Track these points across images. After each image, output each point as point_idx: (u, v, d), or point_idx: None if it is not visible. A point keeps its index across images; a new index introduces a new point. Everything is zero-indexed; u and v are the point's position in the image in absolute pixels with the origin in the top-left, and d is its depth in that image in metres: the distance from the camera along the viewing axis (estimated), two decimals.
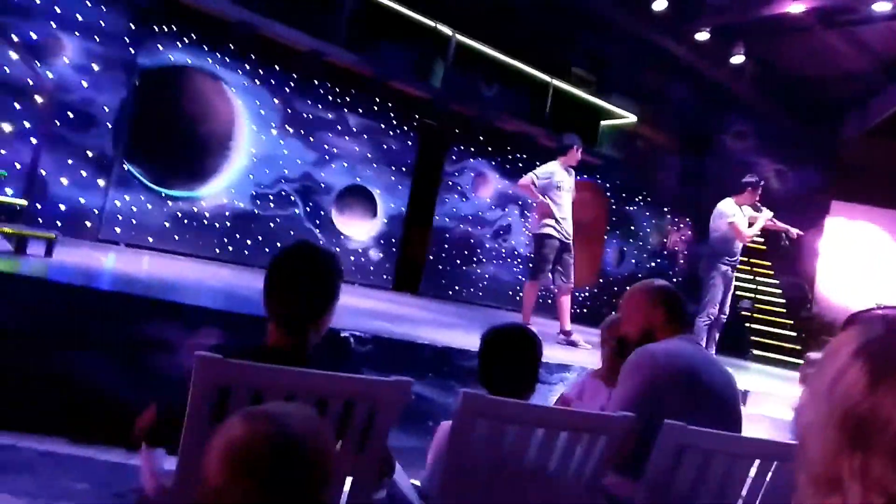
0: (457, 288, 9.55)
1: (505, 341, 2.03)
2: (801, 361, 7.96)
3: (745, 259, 10.92)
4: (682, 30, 9.99)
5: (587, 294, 10.86)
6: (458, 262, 9.56)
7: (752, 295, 9.95)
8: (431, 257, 9.34)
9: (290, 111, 8.03)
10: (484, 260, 9.77)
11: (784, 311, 10.75)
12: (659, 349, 2.19)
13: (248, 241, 7.80)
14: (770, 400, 5.11)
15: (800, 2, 8.95)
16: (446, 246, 9.44)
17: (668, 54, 10.35)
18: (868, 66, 10.68)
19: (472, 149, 9.56)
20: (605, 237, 11.08)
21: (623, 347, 2.31)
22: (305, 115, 8.15)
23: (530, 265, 5.91)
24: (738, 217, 6.18)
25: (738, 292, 10.42)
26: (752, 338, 9.47)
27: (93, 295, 3.64)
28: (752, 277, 10.43)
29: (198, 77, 7.41)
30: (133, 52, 6.97)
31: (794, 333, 10.45)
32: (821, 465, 0.65)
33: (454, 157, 9.45)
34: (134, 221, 7.09)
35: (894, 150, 12.97)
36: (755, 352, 9.06)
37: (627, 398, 2.10)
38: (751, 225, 6.28)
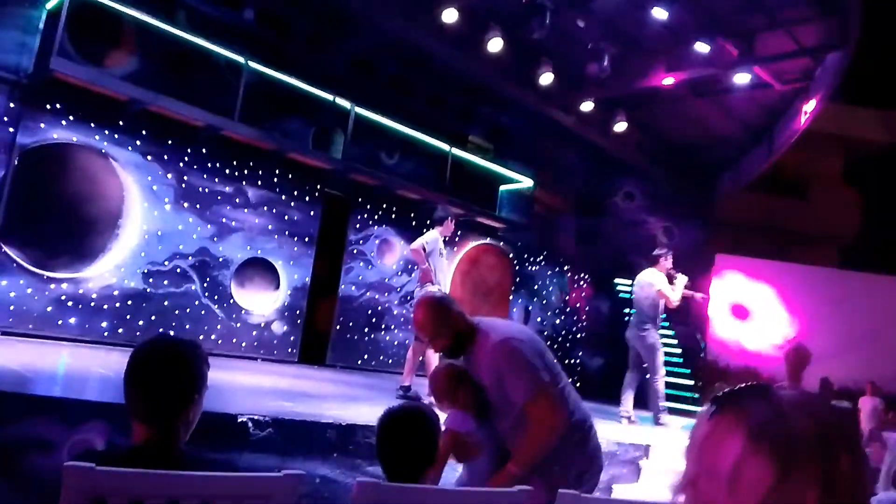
0: (365, 357, 9.41)
1: (399, 424, 2.02)
2: (698, 409, 8.30)
3: None
4: (568, 101, 10.64)
5: None
6: (366, 329, 9.46)
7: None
8: (338, 327, 9.19)
9: (184, 186, 7.84)
10: (392, 327, 9.71)
11: (681, 360, 11.25)
12: (512, 327, 2.92)
13: (140, 322, 7.41)
14: (673, 453, 5.27)
15: (670, 75, 9.77)
16: (353, 314, 9.34)
17: (559, 123, 10.97)
18: (737, 130, 11.72)
19: (376, 216, 9.63)
20: (511, 297, 11.32)
21: (452, 353, 2.76)
22: (201, 189, 7.98)
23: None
24: (665, 284, 6.82)
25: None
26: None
27: None
28: None
29: (83, 154, 7.13)
30: (12, 130, 6.64)
31: (691, 382, 10.94)
32: None
33: (358, 226, 9.47)
34: (12, 307, 6.60)
35: (765, 205, 14.16)
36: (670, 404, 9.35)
37: (539, 366, 2.57)
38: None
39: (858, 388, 10.11)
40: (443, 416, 2.44)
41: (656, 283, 6.84)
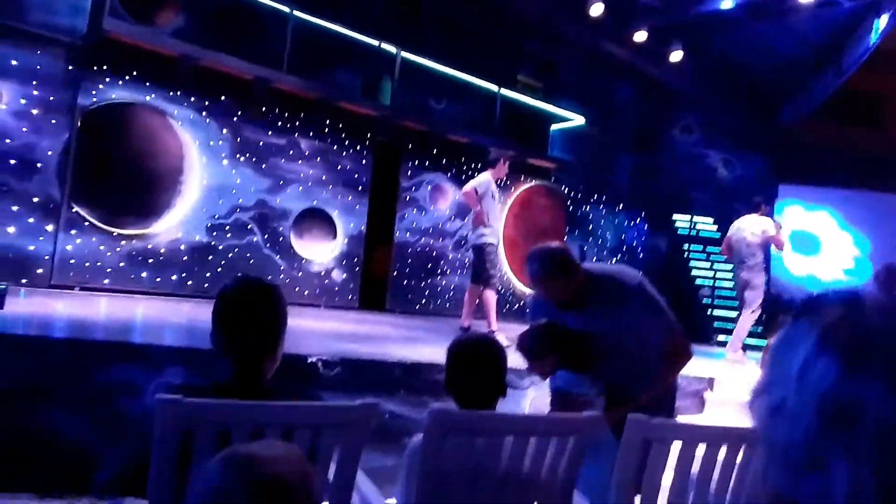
0: (423, 301, 9.56)
1: (469, 352, 2.07)
2: (762, 342, 8.18)
3: (701, 248, 11.20)
4: (620, 32, 10.24)
5: None
6: (423, 275, 9.58)
7: (711, 282, 10.19)
8: (395, 273, 9.34)
9: (239, 140, 7.97)
10: (448, 271, 9.80)
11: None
12: (627, 269, 2.96)
13: (208, 274, 7.69)
14: (735, 385, 5.24)
15: None
16: (409, 260, 9.45)
17: (611, 56, 10.60)
18: (800, 53, 11.08)
19: (427, 163, 9.61)
20: (566, 238, 11.23)
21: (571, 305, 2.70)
22: (256, 143, 8.10)
23: (478, 275, 6.04)
24: (774, 230, 7.32)
25: (697, 280, 10.69)
26: (716, 324, 9.69)
27: (50, 345, 3.55)
28: (709, 265, 10.69)
29: (142, 113, 7.31)
30: (72, 93, 6.84)
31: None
32: (797, 448, 0.64)
33: (409, 173, 9.49)
34: (87, 264, 6.94)
35: (832, 132, 13.47)
36: (719, 337, 9.26)
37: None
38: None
39: None
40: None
41: (769, 230, 7.24)
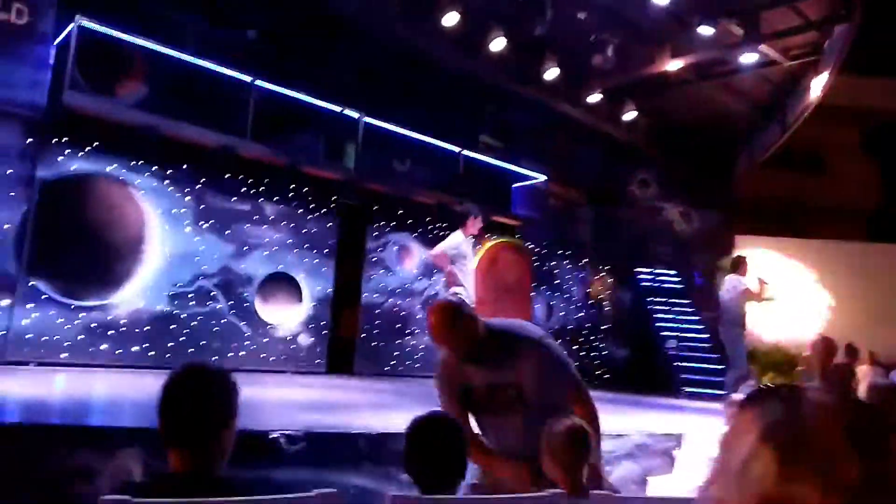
0: (392, 363, 9.47)
1: (427, 434, 2.06)
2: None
3: (665, 300, 11.37)
4: (575, 94, 10.63)
5: None
6: (391, 336, 9.52)
7: (676, 334, 10.33)
8: (363, 335, 9.27)
9: (202, 207, 7.96)
10: (417, 331, 9.76)
11: (708, 345, 11.17)
12: (528, 325, 3.03)
13: (170, 344, 7.54)
14: (706, 441, 5.25)
15: (676, 60, 9.72)
16: (377, 322, 9.40)
17: (568, 117, 10.96)
18: (748, 109, 11.62)
19: (393, 223, 9.69)
20: (533, 294, 11.31)
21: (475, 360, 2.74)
22: (220, 209, 8.09)
23: None
24: (752, 285, 7.45)
25: (662, 332, 10.82)
26: (682, 376, 9.77)
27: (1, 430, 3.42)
28: (671, 317, 10.84)
29: (102, 184, 7.27)
30: (31, 166, 6.79)
31: (721, 366, 10.84)
32: None
33: (375, 234, 9.54)
34: (44, 338, 6.75)
35: (783, 182, 14.00)
36: (687, 389, 9.33)
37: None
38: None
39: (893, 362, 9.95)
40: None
41: (738, 286, 7.39)
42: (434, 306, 2.80)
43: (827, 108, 10.92)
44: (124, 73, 7.80)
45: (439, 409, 2.19)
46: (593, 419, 2.60)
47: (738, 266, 7.50)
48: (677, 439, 5.26)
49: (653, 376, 10.30)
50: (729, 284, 7.43)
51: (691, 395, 9.71)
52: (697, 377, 10.17)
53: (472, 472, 2.70)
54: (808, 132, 11.84)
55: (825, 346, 4.35)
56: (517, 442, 2.64)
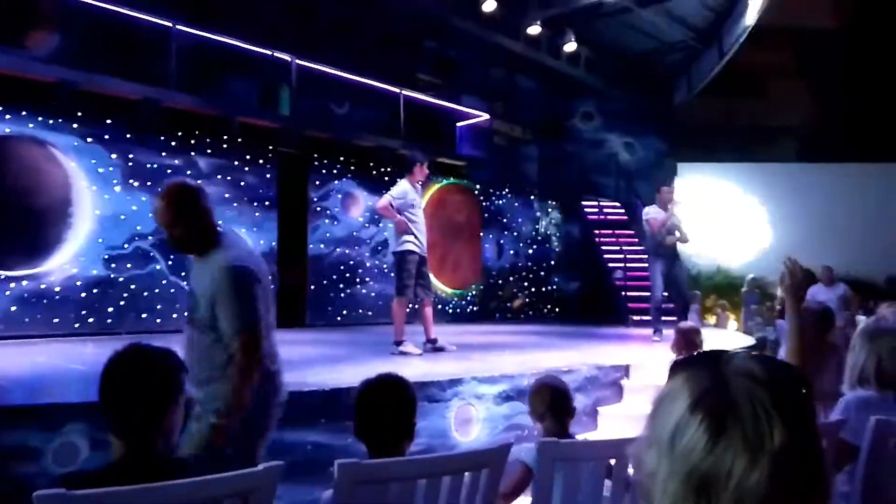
0: (344, 312, 9.41)
1: (376, 396, 2.02)
2: (673, 318, 8.51)
3: (611, 231, 11.56)
4: (515, 26, 10.39)
5: (475, 293, 11.06)
6: (341, 286, 9.42)
7: (622, 265, 10.52)
8: (313, 286, 9.14)
9: (131, 164, 7.57)
10: (367, 279, 9.69)
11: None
12: (254, 255, 2.80)
13: (110, 309, 7.28)
14: (650, 369, 5.42)
15: None
16: (325, 272, 9.28)
17: (508, 50, 10.74)
18: (686, 36, 11.60)
19: (335, 171, 9.44)
20: (481, 234, 11.33)
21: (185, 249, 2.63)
22: (150, 166, 7.71)
23: (396, 283, 5.95)
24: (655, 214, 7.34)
25: (609, 264, 11.03)
26: (630, 305, 10.01)
27: None
28: (619, 248, 11.03)
29: (20, 146, 6.81)
30: None
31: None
32: None
33: (317, 182, 9.29)
34: None
35: (723, 107, 14.19)
36: (634, 318, 9.57)
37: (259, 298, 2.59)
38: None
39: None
40: None
41: (647, 215, 7.37)
42: (170, 185, 2.56)
43: (764, 28, 10.97)
44: (32, 23, 7.22)
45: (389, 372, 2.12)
46: (245, 355, 2.39)
47: (656, 195, 7.49)
48: (625, 369, 5.41)
49: (602, 307, 10.53)
50: (643, 216, 7.49)
51: (639, 324, 10.00)
52: (644, 306, 10.45)
53: None
54: (746, 56, 11.93)
55: (683, 337, 4.28)
56: (186, 356, 2.35)
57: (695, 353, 0.81)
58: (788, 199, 12.87)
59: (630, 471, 2.05)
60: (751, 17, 10.43)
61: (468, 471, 1.90)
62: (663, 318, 7.32)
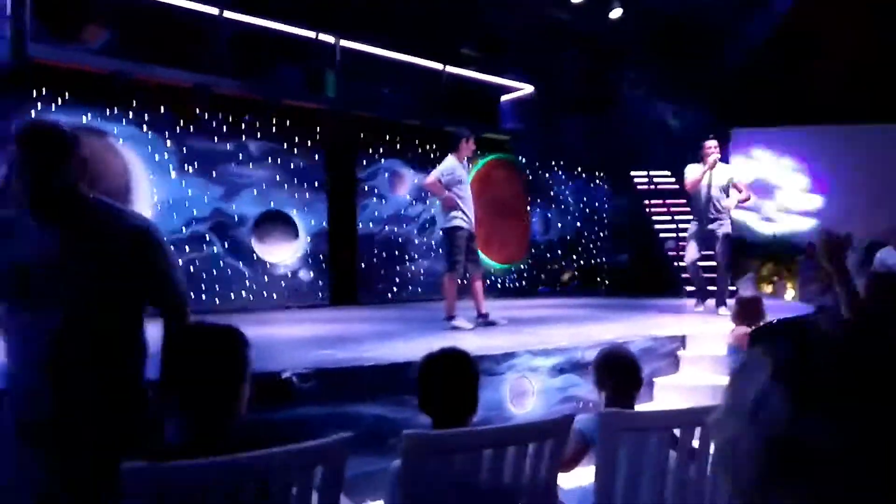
0: (395, 290, 9.54)
1: (440, 370, 2.06)
2: (732, 287, 8.34)
3: (661, 201, 11.34)
4: None
5: (524, 267, 11.04)
6: (391, 264, 9.53)
7: (674, 235, 10.32)
8: (363, 265, 9.28)
9: (185, 151, 7.78)
10: (416, 256, 9.78)
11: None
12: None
13: None
14: (707, 339, 5.34)
15: None
16: (375, 250, 9.40)
17: (552, 21, 10.54)
18: None
19: (381, 150, 9.51)
20: (529, 209, 11.27)
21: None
22: (203, 152, 7.91)
23: (446, 259, 5.97)
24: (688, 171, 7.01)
25: (661, 234, 10.83)
26: (683, 275, 9.82)
27: None
28: (670, 218, 10.82)
29: (80, 137, 7.06)
30: (4, 124, 6.57)
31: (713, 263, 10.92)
32: (749, 483, 0.67)
33: (364, 162, 9.38)
34: None
35: (776, 71, 13.64)
36: (688, 289, 9.39)
37: None
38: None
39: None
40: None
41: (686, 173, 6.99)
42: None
43: None
44: (85, 17, 7.44)
45: (452, 346, 2.15)
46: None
47: (700, 159, 6.97)
48: (681, 340, 5.35)
49: (655, 279, 10.36)
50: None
51: (692, 295, 9.83)
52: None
53: None
54: (798, 17, 11.42)
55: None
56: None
57: (777, 321, 0.81)
58: (846, 162, 12.35)
59: (696, 441, 2.05)
60: None
61: (533, 441, 1.93)
62: (706, 287, 7.04)
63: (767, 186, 12.68)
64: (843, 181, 12.28)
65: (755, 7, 11.46)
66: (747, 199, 7.11)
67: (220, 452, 1.61)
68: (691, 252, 6.97)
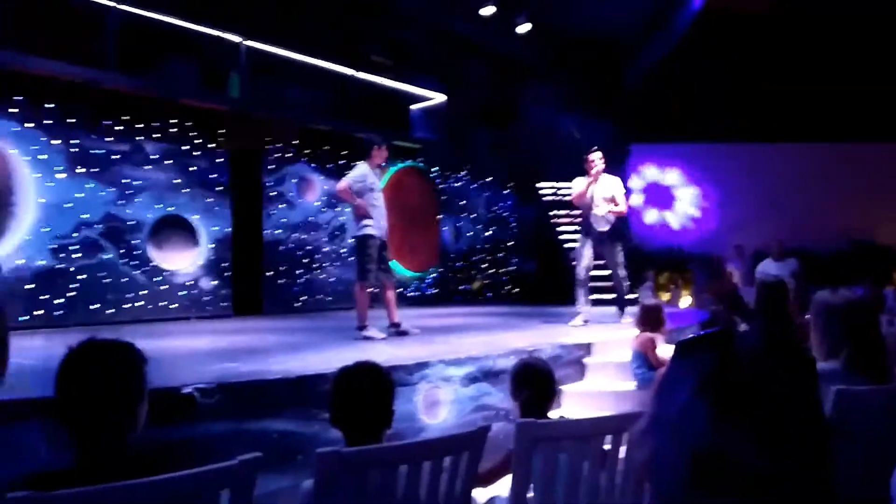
0: (303, 299, 9.29)
1: (356, 384, 1.99)
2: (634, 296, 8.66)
3: (567, 212, 11.68)
4: (468, 7, 10.33)
5: (435, 276, 11.05)
6: (298, 272, 9.28)
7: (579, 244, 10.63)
8: (269, 273, 8.99)
9: (74, 150, 7.26)
10: (325, 264, 9.57)
11: None
12: None
13: (58, 301, 7.01)
14: (612, 346, 5.51)
15: None
16: (282, 258, 9.12)
17: (461, 33, 10.67)
18: (633, 20, 11.73)
19: (289, 154, 9.26)
20: (439, 217, 11.31)
21: None
22: (95, 151, 7.42)
23: (357, 268, 5.88)
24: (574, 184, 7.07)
25: (565, 245, 11.15)
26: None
27: None
28: (574, 229, 11.15)
29: None
30: None
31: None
32: (672, 494, 0.68)
33: (271, 167, 9.10)
34: None
35: (671, 91, 14.39)
36: (592, 298, 9.69)
37: None
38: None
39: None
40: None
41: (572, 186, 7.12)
42: None
43: (714, 13, 11.13)
44: None
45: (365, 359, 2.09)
46: None
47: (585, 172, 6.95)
48: (587, 348, 5.48)
49: (561, 287, 10.63)
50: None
51: (596, 304, 10.14)
52: (600, 284, 10.59)
53: None
54: (694, 40, 12.11)
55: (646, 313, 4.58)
56: None
57: (699, 336, 0.81)
58: (734, 179, 13.20)
59: (608, 447, 2.08)
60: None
61: (449, 455, 1.89)
62: (590, 296, 7.09)
63: (661, 198, 13.36)
64: (731, 195, 13.11)
65: (654, 29, 12.07)
66: (621, 213, 7.09)
67: (113, 478, 1.47)
68: (584, 261, 7.12)
